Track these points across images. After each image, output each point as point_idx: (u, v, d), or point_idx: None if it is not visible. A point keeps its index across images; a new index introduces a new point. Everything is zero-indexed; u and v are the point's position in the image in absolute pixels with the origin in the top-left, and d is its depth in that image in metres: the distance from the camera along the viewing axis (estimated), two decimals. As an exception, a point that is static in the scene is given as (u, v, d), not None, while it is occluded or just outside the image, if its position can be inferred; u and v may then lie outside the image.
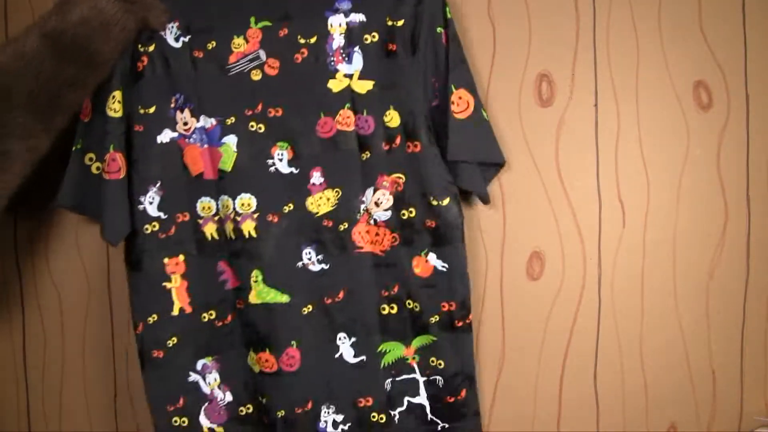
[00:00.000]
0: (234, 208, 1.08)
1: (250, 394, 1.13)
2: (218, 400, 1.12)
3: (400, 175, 1.07)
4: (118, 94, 1.06)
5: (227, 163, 1.09)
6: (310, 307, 1.08)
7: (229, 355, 1.12)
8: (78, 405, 1.24)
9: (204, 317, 1.11)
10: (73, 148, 1.07)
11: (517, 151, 1.12)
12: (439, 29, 1.04)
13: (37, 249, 1.24)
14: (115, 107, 1.06)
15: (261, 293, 1.08)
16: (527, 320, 1.13)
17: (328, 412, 1.09)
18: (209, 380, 1.12)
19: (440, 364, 1.09)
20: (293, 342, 1.08)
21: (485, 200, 1.08)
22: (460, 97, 1.04)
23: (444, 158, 1.06)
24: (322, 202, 1.08)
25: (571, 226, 1.12)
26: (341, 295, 1.08)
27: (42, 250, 1.24)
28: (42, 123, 0.97)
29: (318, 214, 1.08)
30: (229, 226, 1.09)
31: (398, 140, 1.07)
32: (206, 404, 1.12)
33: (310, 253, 1.08)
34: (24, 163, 0.97)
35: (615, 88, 1.10)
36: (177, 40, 1.09)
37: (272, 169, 1.08)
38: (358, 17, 1.07)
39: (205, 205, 1.10)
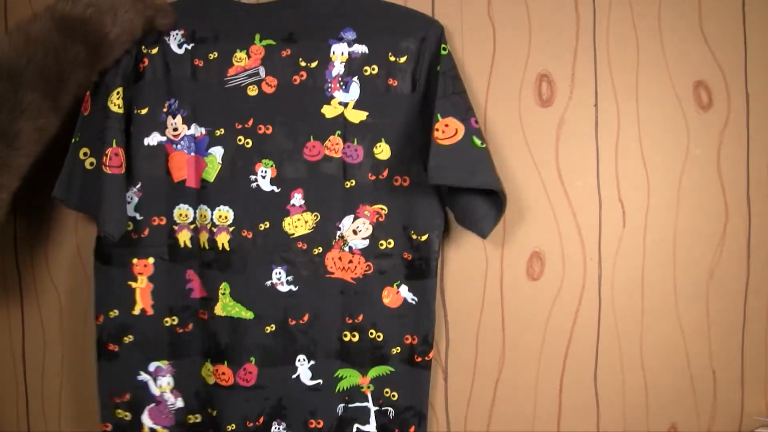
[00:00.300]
0: (211, 219, 1.09)
1: (200, 405, 1.14)
2: (168, 403, 1.14)
3: (383, 207, 1.08)
4: (121, 91, 1.07)
5: (210, 173, 1.09)
6: (273, 326, 1.10)
7: (184, 363, 1.13)
8: (77, 405, 1.24)
9: (166, 321, 1.12)
10: (72, 140, 1.08)
11: (517, 151, 1.12)
12: (438, 67, 1.05)
13: (37, 249, 1.24)
14: (119, 103, 1.06)
15: (226, 306, 1.09)
16: (527, 320, 1.13)
17: (279, 429, 1.11)
18: (160, 383, 1.13)
19: (393, 396, 1.10)
20: (252, 358, 1.09)
21: (483, 234, 1.06)
22: (446, 125, 1.02)
23: (438, 194, 1.07)
24: (299, 224, 1.09)
25: (571, 226, 1.12)
26: (305, 318, 1.09)
27: (42, 250, 1.24)
28: (51, 101, 0.98)
29: (293, 236, 1.09)
30: (203, 236, 1.10)
31: (386, 173, 1.08)
32: (152, 405, 1.13)
33: (280, 273, 1.09)
34: (34, 143, 0.98)
35: (615, 88, 1.10)
36: (180, 46, 1.10)
37: (254, 185, 1.09)
38: (361, 48, 1.08)
39: (182, 212, 1.11)
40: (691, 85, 1.09)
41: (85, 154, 1.08)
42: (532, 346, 1.13)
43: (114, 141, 1.06)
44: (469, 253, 1.13)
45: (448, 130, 1.03)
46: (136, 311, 1.11)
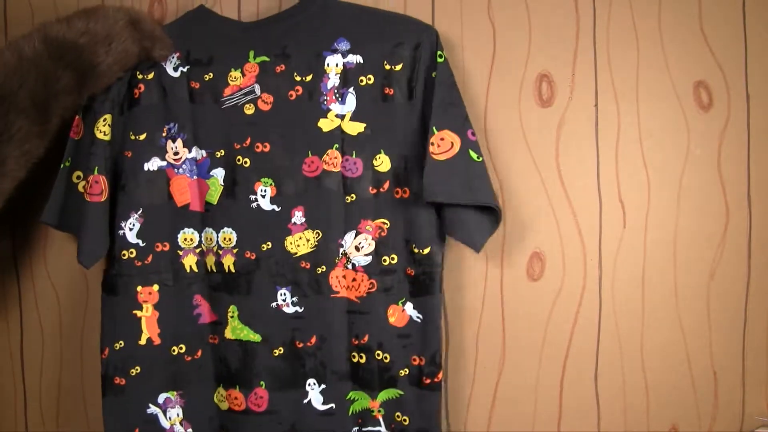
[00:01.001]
0: (217, 242, 1.08)
1: (213, 431, 1.11)
2: None
3: (385, 221, 1.06)
4: (108, 118, 1.07)
5: (213, 196, 1.09)
6: (281, 349, 1.08)
7: (194, 391, 1.11)
8: (75, 406, 1.24)
9: (173, 350, 1.10)
10: (61, 166, 1.07)
11: (517, 151, 1.12)
12: (434, 74, 1.03)
13: (35, 249, 1.23)
14: (105, 130, 1.06)
15: (235, 329, 1.08)
16: (527, 320, 1.12)
17: None
18: (170, 415, 1.10)
19: (405, 421, 1.07)
20: (262, 382, 1.08)
21: (476, 248, 1.05)
22: (442, 139, 1.02)
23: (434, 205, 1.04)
24: (301, 242, 1.07)
25: (572, 226, 1.11)
26: (313, 340, 1.07)
27: (40, 250, 1.23)
28: (38, 125, 0.97)
29: (296, 255, 1.07)
30: (210, 259, 1.09)
31: (386, 185, 1.06)
32: None
33: (284, 294, 1.08)
34: (20, 169, 0.97)
35: (615, 88, 1.10)
36: (176, 69, 1.09)
37: (254, 205, 1.08)
38: (356, 59, 1.07)
39: (188, 236, 1.10)
40: (691, 85, 1.09)
41: (78, 177, 1.08)
42: (532, 347, 1.13)
43: (96, 168, 1.05)
44: (469, 253, 1.13)
45: (443, 144, 1.02)
46: (143, 341, 1.09)
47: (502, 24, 1.12)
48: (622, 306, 1.11)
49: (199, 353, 1.11)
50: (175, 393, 1.11)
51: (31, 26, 1.20)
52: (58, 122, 1.01)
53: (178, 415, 1.11)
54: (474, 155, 1.02)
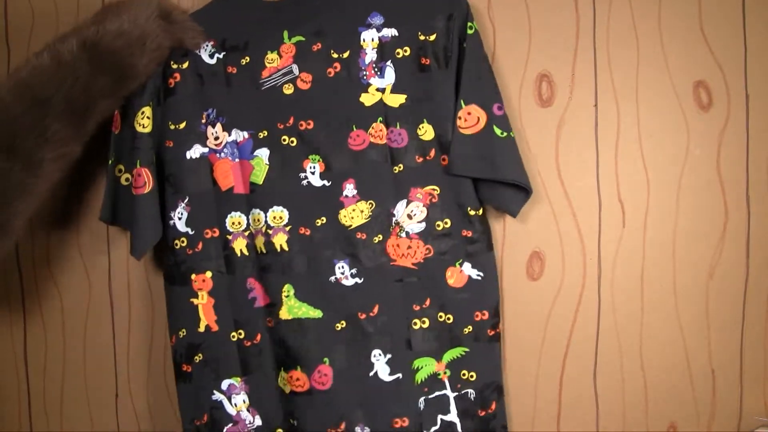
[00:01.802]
0: (266, 222, 1.08)
1: (281, 418, 1.10)
2: (246, 422, 1.10)
3: (435, 187, 1.07)
4: (147, 110, 1.07)
5: (259, 176, 1.09)
6: (343, 323, 1.07)
7: (258, 377, 1.10)
8: (79, 405, 1.25)
9: (233, 336, 1.10)
10: (109, 162, 1.09)
11: (517, 151, 1.12)
12: (464, 45, 1.04)
13: (39, 250, 1.24)
14: (144, 123, 1.07)
15: (292, 308, 1.08)
16: (527, 320, 1.13)
17: None
18: (236, 401, 1.10)
19: (472, 377, 1.07)
20: (325, 359, 1.07)
21: (513, 214, 1.08)
22: (469, 113, 1.03)
23: None
24: (355, 214, 1.07)
25: (571, 226, 1.12)
26: (375, 310, 1.07)
27: (43, 251, 1.24)
28: (74, 129, 0.97)
29: (351, 227, 1.07)
30: (260, 241, 1.09)
31: (432, 153, 1.06)
32: (230, 425, 1.09)
33: (343, 267, 1.07)
34: (56, 171, 0.97)
35: (615, 88, 1.10)
36: (212, 56, 1.09)
37: (305, 182, 1.08)
38: (391, 32, 1.07)
39: (235, 220, 1.10)
40: (691, 85, 1.09)
41: (119, 170, 1.09)
42: (531, 346, 1.13)
43: (138, 162, 1.06)
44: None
45: (470, 119, 1.03)
46: (202, 328, 1.09)
47: (502, 24, 1.12)
48: (621, 305, 1.11)
49: (258, 337, 1.10)
50: (239, 379, 1.10)
51: (31, 26, 1.21)
52: (93, 126, 1.01)
53: (244, 401, 1.10)
54: (498, 131, 1.03)
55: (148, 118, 1.07)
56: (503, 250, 1.13)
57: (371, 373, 1.07)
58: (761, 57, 1.07)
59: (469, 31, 1.04)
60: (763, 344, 1.10)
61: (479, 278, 1.07)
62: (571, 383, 1.13)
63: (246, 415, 1.10)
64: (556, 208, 1.12)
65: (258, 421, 1.10)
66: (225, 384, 1.09)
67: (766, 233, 1.09)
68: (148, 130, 1.07)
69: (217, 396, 1.09)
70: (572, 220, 1.12)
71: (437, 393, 1.08)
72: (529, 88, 1.12)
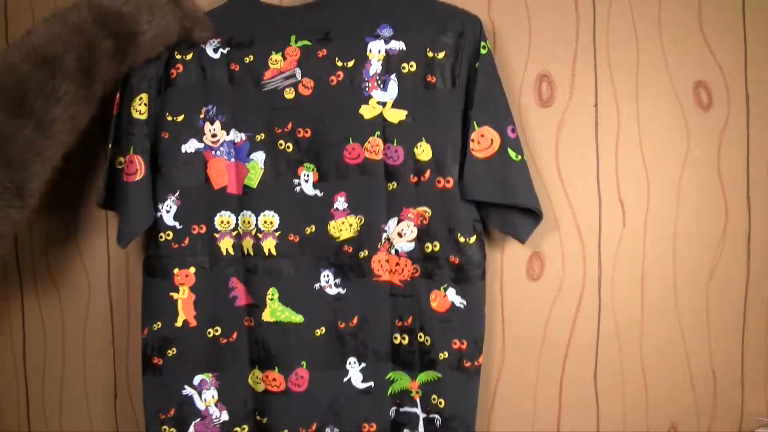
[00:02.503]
0: (256, 225, 1.08)
1: (247, 414, 1.11)
2: (213, 417, 1.11)
3: (426, 209, 1.06)
4: (144, 97, 1.07)
5: (253, 179, 1.08)
6: (323, 329, 1.08)
7: (229, 374, 1.11)
8: (78, 406, 1.24)
9: (209, 333, 1.10)
10: (110, 146, 1.08)
11: (517, 151, 1.12)
12: (477, 65, 1.03)
13: (38, 249, 1.24)
14: (140, 109, 1.06)
15: (275, 312, 1.08)
16: (527, 320, 1.13)
17: None
18: (205, 397, 1.11)
19: (440, 404, 1.07)
20: (303, 362, 1.08)
21: (521, 241, 1.06)
22: (482, 135, 1.02)
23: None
24: (344, 227, 1.07)
25: (571, 226, 1.12)
26: (354, 321, 1.08)
27: (42, 250, 1.24)
28: (84, 89, 0.96)
29: (339, 239, 1.07)
30: (247, 242, 1.09)
31: (427, 174, 1.05)
32: (198, 420, 1.11)
33: (327, 276, 1.08)
34: (67, 133, 0.96)
35: (615, 88, 1.10)
36: (216, 51, 1.09)
37: (297, 189, 1.08)
38: (399, 45, 1.06)
39: (224, 219, 1.09)
40: (691, 85, 1.09)
41: (114, 154, 1.08)
42: (531, 346, 1.13)
43: (131, 148, 1.06)
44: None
45: (483, 141, 1.02)
46: (179, 323, 1.09)
47: (502, 24, 1.12)
48: (622, 305, 1.11)
49: (235, 335, 1.11)
50: (210, 375, 1.11)
51: (31, 25, 1.21)
52: (101, 89, 1.00)
53: (213, 396, 1.11)
54: (513, 154, 1.02)
55: (145, 104, 1.06)
56: (503, 250, 1.13)
57: (345, 379, 1.08)
58: (761, 57, 1.07)
59: (483, 51, 1.03)
60: (764, 344, 1.10)
61: (461, 306, 1.05)
62: (572, 384, 1.13)
63: (213, 410, 1.11)
64: (556, 208, 1.12)
65: (225, 417, 1.11)
66: (197, 379, 1.10)
67: (766, 233, 1.09)
68: (144, 116, 1.06)
69: (188, 391, 1.10)
70: (572, 220, 1.12)
71: (408, 409, 1.09)
72: (529, 88, 1.12)
